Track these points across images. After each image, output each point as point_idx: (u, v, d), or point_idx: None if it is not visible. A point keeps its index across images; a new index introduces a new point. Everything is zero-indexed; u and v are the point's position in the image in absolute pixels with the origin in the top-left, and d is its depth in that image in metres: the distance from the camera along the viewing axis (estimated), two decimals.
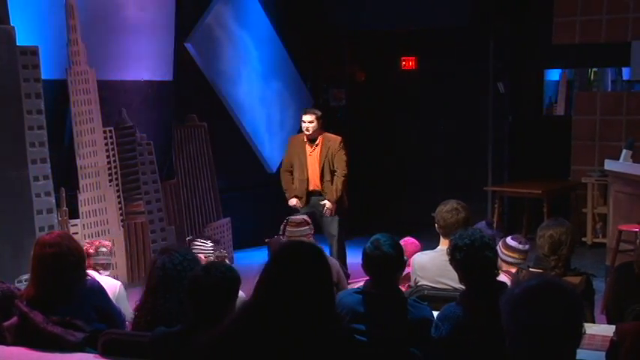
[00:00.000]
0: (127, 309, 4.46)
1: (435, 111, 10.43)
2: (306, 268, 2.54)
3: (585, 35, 9.30)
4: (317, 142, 7.31)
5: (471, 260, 3.49)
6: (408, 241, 5.48)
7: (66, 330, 3.39)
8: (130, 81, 7.67)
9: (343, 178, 7.26)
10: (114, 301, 4.10)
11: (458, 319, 3.41)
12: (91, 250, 4.69)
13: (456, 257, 3.56)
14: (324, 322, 2.51)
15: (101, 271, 4.77)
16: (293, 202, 7.32)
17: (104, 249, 4.85)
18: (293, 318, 2.46)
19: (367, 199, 10.30)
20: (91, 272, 4.58)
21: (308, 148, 7.33)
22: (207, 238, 5.99)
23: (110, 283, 4.45)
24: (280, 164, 7.81)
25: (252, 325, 2.48)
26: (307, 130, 7.24)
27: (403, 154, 10.57)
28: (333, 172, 7.27)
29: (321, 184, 7.31)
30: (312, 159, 7.33)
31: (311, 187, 7.35)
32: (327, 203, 7.24)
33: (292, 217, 5.68)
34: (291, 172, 7.41)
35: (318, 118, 7.28)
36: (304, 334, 2.45)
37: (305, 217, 5.64)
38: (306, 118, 7.26)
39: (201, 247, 5.62)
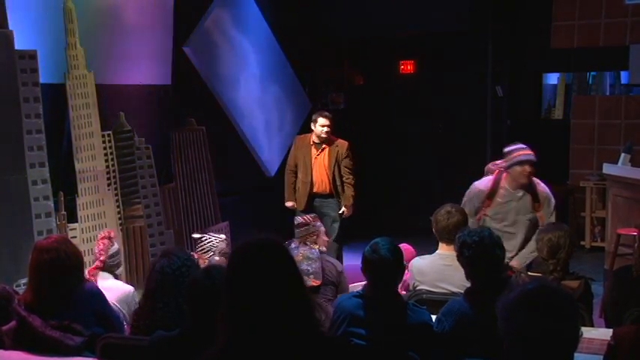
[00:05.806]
0: None
1: (433, 115, 10.44)
2: (261, 270, 2.25)
3: (584, 39, 9.31)
4: (324, 145, 7.34)
5: (480, 258, 3.47)
6: (402, 248, 5.41)
7: (64, 334, 3.39)
8: (128, 85, 7.66)
9: (353, 184, 7.40)
10: (125, 304, 4.10)
11: (462, 314, 3.39)
12: (103, 257, 4.63)
13: (464, 254, 3.53)
14: (301, 327, 2.22)
15: (117, 271, 4.75)
16: (289, 204, 7.48)
17: (114, 248, 4.69)
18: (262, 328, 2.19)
19: (366, 203, 10.28)
20: (104, 274, 4.55)
21: (314, 150, 7.36)
22: (217, 231, 5.72)
23: (123, 288, 4.46)
24: (280, 165, 7.81)
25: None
26: (324, 134, 7.25)
27: (401, 157, 10.57)
28: (341, 176, 7.34)
29: (331, 187, 7.35)
30: (318, 162, 7.37)
31: (315, 190, 7.40)
32: (345, 209, 7.39)
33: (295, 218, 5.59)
34: (296, 173, 7.45)
35: (332, 121, 7.30)
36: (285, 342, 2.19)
37: (306, 217, 5.54)
38: (325, 122, 7.25)
39: (214, 242, 5.31)
